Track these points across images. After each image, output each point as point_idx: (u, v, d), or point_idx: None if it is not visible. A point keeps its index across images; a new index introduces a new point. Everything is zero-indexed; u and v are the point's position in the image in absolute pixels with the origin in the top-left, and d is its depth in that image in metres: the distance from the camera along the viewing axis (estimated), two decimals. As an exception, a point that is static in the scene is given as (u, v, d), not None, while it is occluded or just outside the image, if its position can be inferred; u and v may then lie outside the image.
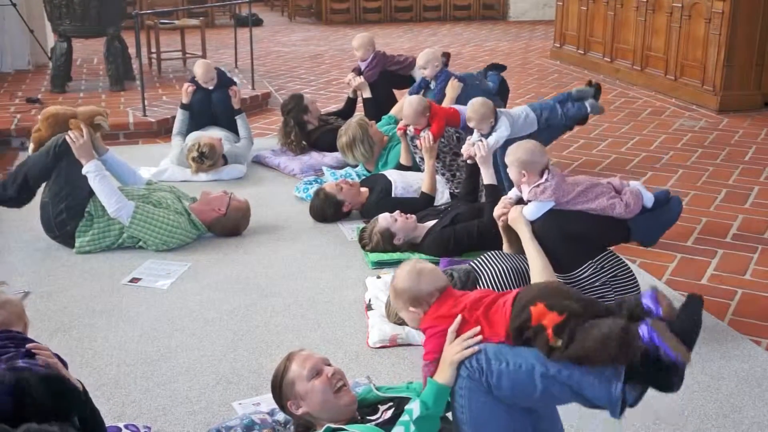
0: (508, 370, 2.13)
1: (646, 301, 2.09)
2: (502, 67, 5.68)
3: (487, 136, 4.27)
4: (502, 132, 4.30)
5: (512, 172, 3.26)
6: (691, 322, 2.04)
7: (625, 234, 3.31)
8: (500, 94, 5.52)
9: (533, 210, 3.22)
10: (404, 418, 2.22)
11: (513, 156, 3.25)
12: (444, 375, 2.23)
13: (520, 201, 3.34)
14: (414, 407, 2.22)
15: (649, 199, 3.32)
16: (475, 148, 3.98)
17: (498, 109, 4.35)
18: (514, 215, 3.24)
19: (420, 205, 4.54)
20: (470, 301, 2.30)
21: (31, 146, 4.54)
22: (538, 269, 3.03)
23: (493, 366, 2.14)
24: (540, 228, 3.20)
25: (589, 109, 4.87)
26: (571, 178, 3.31)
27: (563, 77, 9.05)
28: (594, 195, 3.22)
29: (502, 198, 3.45)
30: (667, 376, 2.02)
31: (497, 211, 3.39)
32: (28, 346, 2.28)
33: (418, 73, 5.92)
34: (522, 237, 3.16)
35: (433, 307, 2.33)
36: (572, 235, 3.15)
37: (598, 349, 2.03)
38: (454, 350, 2.22)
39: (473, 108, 4.29)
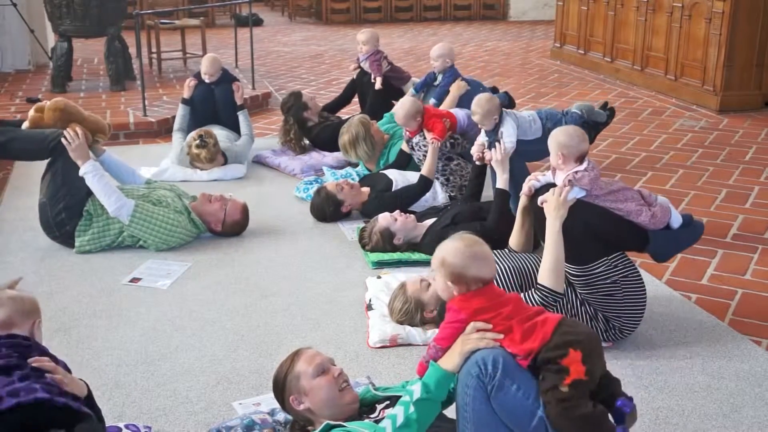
0: (516, 394, 2.18)
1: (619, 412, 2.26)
2: (512, 102, 5.70)
3: (489, 134, 4.25)
4: (510, 132, 4.21)
5: (551, 155, 3.26)
6: None
7: (642, 243, 3.29)
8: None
9: (573, 192, 3.20)
10: (404, 398, 2.23)
11: (553, 138, 3.24)
12: (451, 362, 2.24)
13: (546, 187, 3.29)
14: (415, 389, 2.23)
15: (677, 220, 3.31)
16: (493, 151, 3.97)
17: (504, 110, 4.34)
18: (554, 199, 3.12)
19: (418, 189, 4.55)
20: (510, 307, 2.30)
21: (26, 123, 4.43)
22: (550, 264, 2.98)
23: (506, 382, 2.18)
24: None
25: (585, 115, 4.82)
26: (606, 178, 3.32)
27: (563, 77, 9.05)
28: (624, 197, 3.22)
29: (533, 174, 3.43)
30: None
31: (528, 179, 3.36)
32: (30, 361, 2.23)
33: (410, 88, 5.95)
34: (550, 224, 3.07)
35: (471, 292, 2.32)
36: (594, 230, 3.14)
37: (580, 425, 2.16)
38: (468, 340, 2.23)
39: (479, 102, 4.25)
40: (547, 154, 4.20)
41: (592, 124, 4.89)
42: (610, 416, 2.25)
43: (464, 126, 4.90)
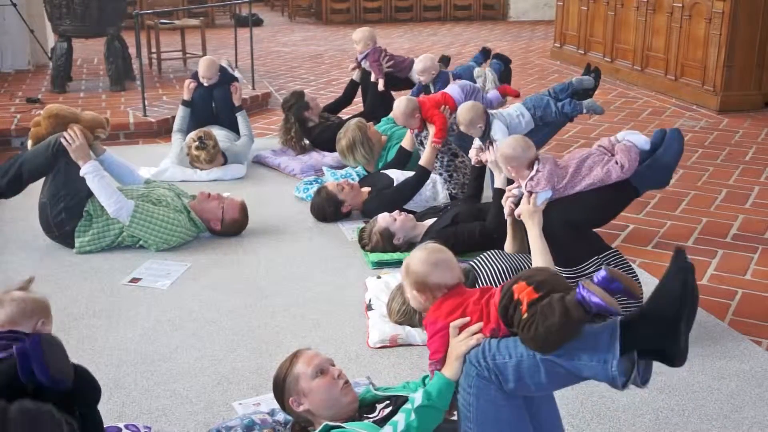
0: (512, 362, 2.13)
1: (595, 279, 2.07)
2: (507, 60, 5.63)
3: (482, 138, 4.25)
4: (500, 136, 4.22)
5: (503, 169, 3.29)
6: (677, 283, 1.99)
7: (632, 193, 3.29)
8: (502, 80, 5.49)
9: (540, 198, 3.20)
10: (406, 406, 2.24)
11: (498, 152, 3.28)
12: (450, 369, 2.24)
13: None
14: (417, 396, 2.23)
15: (645, 143, 3.28)
16: (487, 153, 3.99)
17: (490, 112, 4.31)
18: (525, 209, 3.17)
19: (415, 180, 4.55)
20: (475, 297, 2.29)
21: (29, 142, 4.50)
22: (540, 266, 3.02)
23: (498, 360, 2.14)
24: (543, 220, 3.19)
25: (585, 110, 4.78)
26: (562, 160, 3.30)
27: (564, 77, 9.04)
28: (587, 169, 3.20)
29: (508, 187, 3.44)
30: (670, 346, 2.00)
31: (505, 197, 3.37)
32: None
33: (417, 76, 5.92)
34: (530, 233, 3.12)
35: (438, 301, 2.31)
36: (576, 223, 3.14)
37: (547, 330, 2.02)
38: (458, 345, 2.22)
39: (461, 113, 4.23)
40: (547, 139, 4.18)
41: (582, 92, 4.82)
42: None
43: (463, 102, 4.88)
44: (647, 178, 3.28)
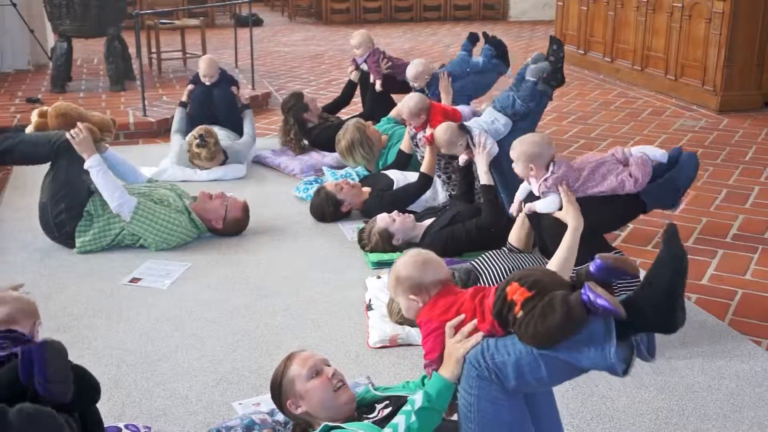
0: (512, 359, 2.12)
1: (592, 268, 2.11)
2: (499, 43, 5.54)
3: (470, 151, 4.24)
4: (476, 131, 4.17)
5: (519, 168, 3.23)
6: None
7: (640, 207, 3.27)
8: (501, 57, 5.45)
9: (547, 204, 3.18)
10: (406, 407, 2.23)
11: (517, 150, 3.21)
12: (450, 370, 2.23)
13: (531, 196, 3.31)
14: (417, 398, 2.22)
15: (662, 155, 3.24)
16: (475, 150, 4.00)
17: (464, 123, 4.28)
18: (571, 208, 3.08)
19: (418, 186, 4.55)
20: (468, 295, 2.29)
21: (30, 128, 4.46)
22: (559, 264, 2.98)
23: (497, 359, 2.14)
24: (551, 221, 3.18)
25: (535, 79, 4.35)
26: (576, 162, 3.28)
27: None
28: (601, 176, 3.18)
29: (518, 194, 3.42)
30: (667, 314, 2.01)
31: (517, 200, 3.36)
32: None
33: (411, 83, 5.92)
34: (568, 231, 3.06)
35: (431, 300, 2.31)
36: (585, 226, 3.14)
37: (547, 329, 2.02)
38: (456, 348, 2.22)
39: (438, 136, 4.21)
40: (532, 129, 4.09)
41: (551, 75, 4.62)
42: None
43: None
44: (656, 196, 3.26)
